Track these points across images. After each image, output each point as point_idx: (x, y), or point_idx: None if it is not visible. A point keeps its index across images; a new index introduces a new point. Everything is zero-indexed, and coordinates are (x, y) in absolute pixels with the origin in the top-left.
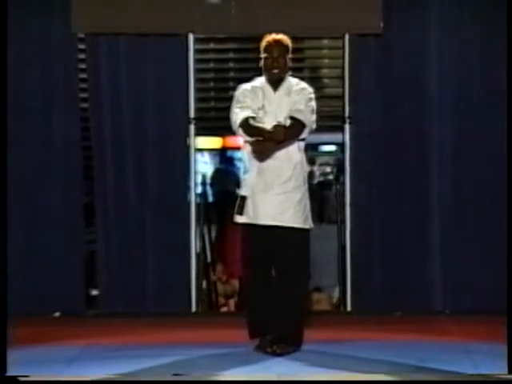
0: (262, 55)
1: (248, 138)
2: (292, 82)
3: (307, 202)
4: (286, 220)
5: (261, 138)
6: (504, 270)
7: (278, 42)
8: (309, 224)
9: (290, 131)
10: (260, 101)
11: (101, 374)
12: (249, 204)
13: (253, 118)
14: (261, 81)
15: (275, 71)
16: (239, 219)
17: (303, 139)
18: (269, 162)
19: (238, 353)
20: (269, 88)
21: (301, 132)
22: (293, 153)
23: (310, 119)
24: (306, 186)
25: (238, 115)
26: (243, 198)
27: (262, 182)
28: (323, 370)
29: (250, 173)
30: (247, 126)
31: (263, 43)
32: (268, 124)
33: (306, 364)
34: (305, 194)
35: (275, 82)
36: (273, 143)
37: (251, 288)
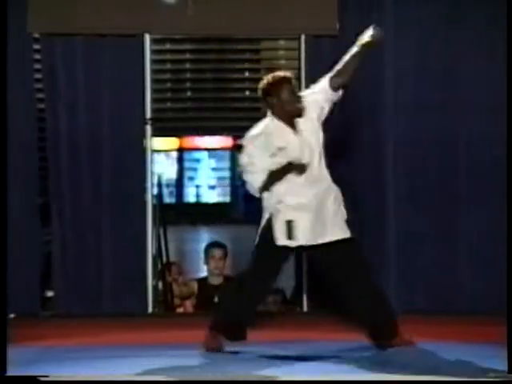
0: (275, 95)
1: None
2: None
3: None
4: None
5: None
6: (459, 270)
7: (289, 80)
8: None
9: None
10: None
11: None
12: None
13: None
14: (271, 124)
15: (299, 106)
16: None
17: None
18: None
19: (195, 354)
20: (285, 127)
21: None
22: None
23: None
24: None
25: (253, 180)
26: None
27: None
28: (282, 369)
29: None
30: (270, 182)
31: (272, 83)
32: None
33: (263, 364)
34: None
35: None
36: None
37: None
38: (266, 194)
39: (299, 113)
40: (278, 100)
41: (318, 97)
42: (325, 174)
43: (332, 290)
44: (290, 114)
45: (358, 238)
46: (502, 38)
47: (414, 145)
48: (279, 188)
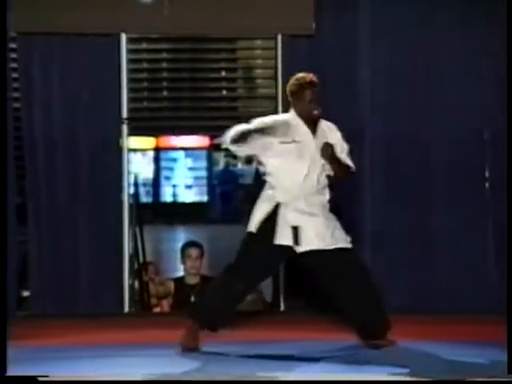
0: (296, 97)
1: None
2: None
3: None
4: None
5: None
6: (435, 269)
7: (314, 84)
8: None
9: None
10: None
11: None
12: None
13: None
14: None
15: (316, 112)
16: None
17: None
18: None
19: (173, 354)
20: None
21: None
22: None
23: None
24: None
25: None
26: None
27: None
28: (257, 369)
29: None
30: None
31: (297, 83)
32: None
33: (239, 363)
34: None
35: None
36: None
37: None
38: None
39: (314, 118)
40: (299, 102)
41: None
42: (326, 187)
43: (312, 289)
44: (308, 117)
45: None
46: (478, 38)
47: (390, 145)
48: (281, 188)
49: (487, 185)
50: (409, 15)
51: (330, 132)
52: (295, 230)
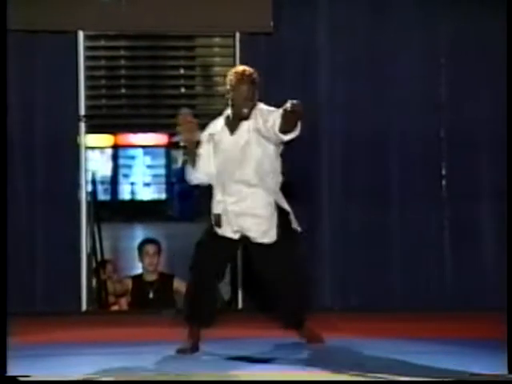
0: (231, 91)
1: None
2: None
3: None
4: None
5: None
6: (390, 268)
7: (248, 78)
8: None
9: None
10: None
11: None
12: None
13: None
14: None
15: (245, 110)
16: None
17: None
18: None
19: (128, 352)
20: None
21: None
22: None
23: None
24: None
25: None
26: None
27: None
28: (217, 367)
29: None
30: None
31: (231, 77)
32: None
33: (200, 362)
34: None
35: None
36: None
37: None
38: None
39: (244, 116)
40: (233, 96)
41: (268, 122)
42: (259, 182)
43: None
44: (238, 114)
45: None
46: (435, 37)
47: (347, 143)
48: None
49: (443, 182)
50: (366, 14)
51: (261, 115)
52: (216, 217)
